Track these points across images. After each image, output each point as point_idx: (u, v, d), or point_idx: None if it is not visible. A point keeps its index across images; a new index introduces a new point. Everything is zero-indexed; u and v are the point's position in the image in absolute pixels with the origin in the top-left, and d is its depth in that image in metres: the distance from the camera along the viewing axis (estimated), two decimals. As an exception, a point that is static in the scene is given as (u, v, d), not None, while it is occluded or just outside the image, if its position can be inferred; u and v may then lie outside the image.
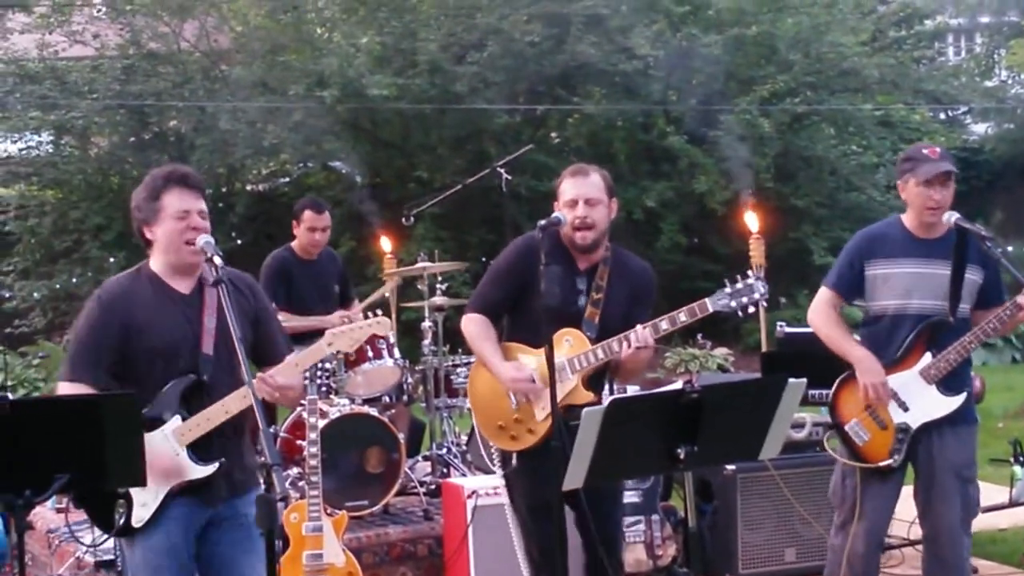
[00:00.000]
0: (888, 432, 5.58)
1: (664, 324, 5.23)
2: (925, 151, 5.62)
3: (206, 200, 4.65)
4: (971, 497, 5.63)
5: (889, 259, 5.62)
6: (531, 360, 5.37)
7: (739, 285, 5.17)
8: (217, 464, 4.48)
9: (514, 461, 5.46)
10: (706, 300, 5.20)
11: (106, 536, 4.87)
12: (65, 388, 4.51)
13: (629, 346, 5.19)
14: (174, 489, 4.46)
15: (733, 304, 5.17)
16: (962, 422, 5.60)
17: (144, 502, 4.44)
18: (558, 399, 5.09)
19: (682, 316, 5.21)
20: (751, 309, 5.19)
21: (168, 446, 4.44)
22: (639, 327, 5.20)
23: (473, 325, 5.53)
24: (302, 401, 6.57)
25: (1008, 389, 13.81)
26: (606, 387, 5.65)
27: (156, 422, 4.44)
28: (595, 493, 5.13)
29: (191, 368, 4.51)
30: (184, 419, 4.46)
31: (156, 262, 4.63)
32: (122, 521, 4.44)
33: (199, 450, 4.47)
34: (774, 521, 7.14)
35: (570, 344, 5.33)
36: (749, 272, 5.27)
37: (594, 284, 5.45)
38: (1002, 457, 7.87)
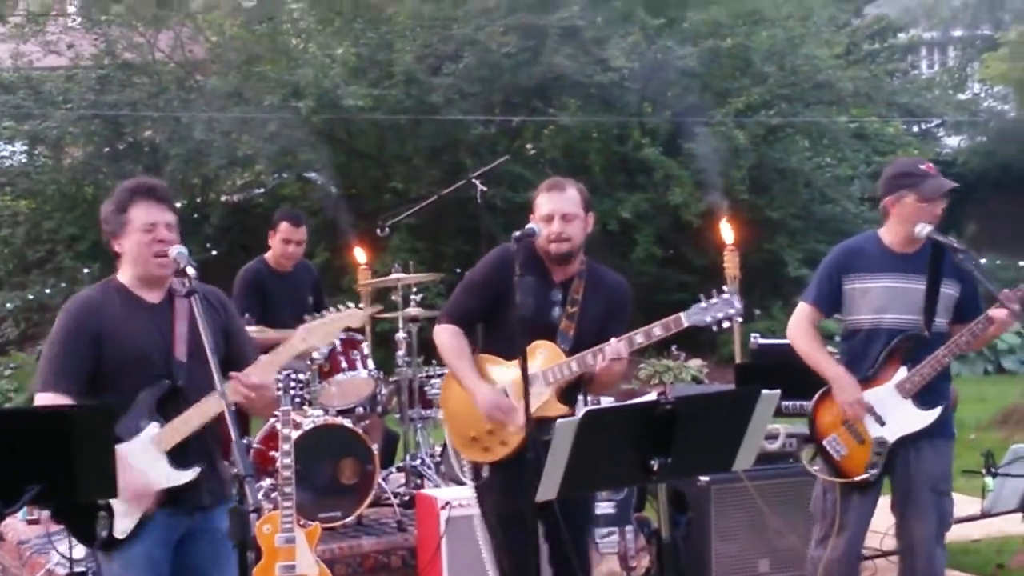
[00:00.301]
0: (866, 446, 5.59)
1: (639, 338, 5.23)
2: (923, 167, 5.60)
3: (175, 212, 4.63)
4: (946, 510, 5.65)
5: (866, 273, 5.63)
6: (504, 372, 5.37)
7: (714, 300, 5.18)
8: (198, 470, 4.46)
9: (485, 472, 5.45)
10: (680, 315, 5.20)
11: (87, 549, 4.83)
12: (43, 399, 4.49)
13: (604, 359, 5.18)
14: (159, 496, 4.44)
15: (708, 319, 5.18)
16: (939, 436, 5.62)
17: (125, 511, 4.41)
18: (532, 411, 5.09)
19: (656, 330, 5.21)
20: (726, 324, 5.21)
21: (147, 454, 4.43)
22: (613, 340, 5.20)
23: (447, 336, 5.51)
24: (275, 412, 6.56)
25: (980, 400, 13.86)
26: (580, 399, 5.63)
27: (133, 431, 4.42)
28: (566, 504, 5.13)
29: (164, 375, 4.49)
30: (161, 426, 4.45)
31: (124, 274, 4.62)
32: (104, 533, 4.41)
33: (177, 457, 4.45)
34: (748, 532, 7.13)
35: (544, 356, 5.32)
36: (724, 287, 5.28)
37: (569, 297, 5.45)
38: (974, 468, 7.89)
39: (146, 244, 4.50)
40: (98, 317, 4.52)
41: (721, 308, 5.17)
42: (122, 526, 4.42)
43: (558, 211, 5.39)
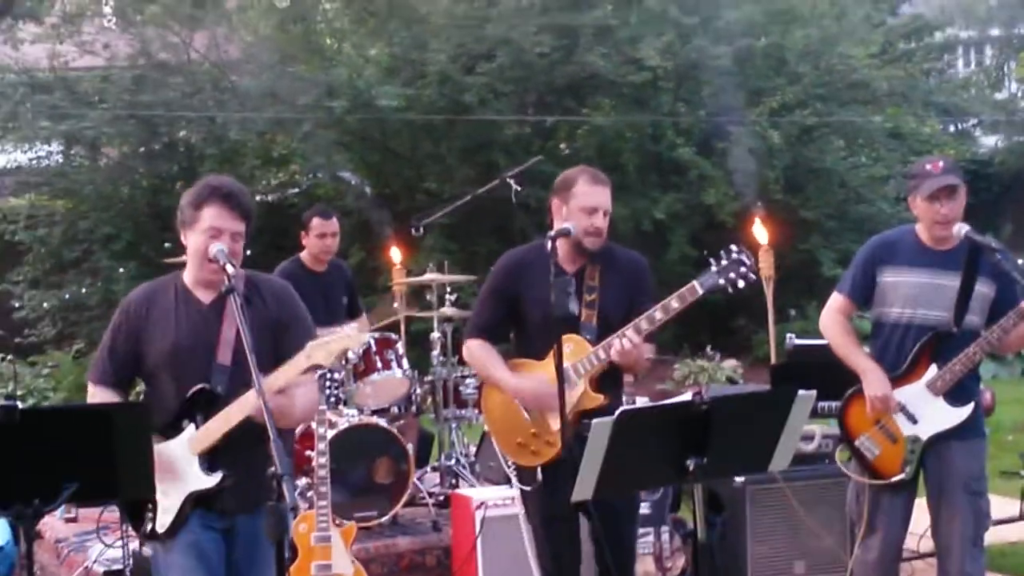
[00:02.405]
0: (899, 445, 5.57)
1: (658, 314, 5.20)
2: (928, 166, 5.61)
3: (247, 221, 4.60)
4: (982, 510, 5.61)
5: (899, 267, 5.62)
6: (536, 373, 5.36)
7: (724, 262, 5.17)
8: (221, 475, 4.46)
9: (539, 476, 5.39)
10: (694, 283, 5.18)
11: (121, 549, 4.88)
12: (90, 390, 4.62)
13: (616, 353, 5.18)
14: (190, 498, 4.47)
15: (722, 281, 5.16)
16: (971, 435, 5.60)
17: (166, 508, 4.47)
18: (570, 406, 5.10)
19: (673, 303, 5.19)
20: (740, 283, 5.17)
21: (184, 454, 4.47)
22: (624, 330, 5.17)
23: (476, 350, 5.52)
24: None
25: (1018, 402, 13.77)
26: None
27: (176, 429, 4.47)
28: (611, 504, 5.12)
29: (204, 377, 4.51)
30: (197, 428, 4.47)
31: (187, 272, 4.67)
32: (149, 526, 4.49)
33: (211, 461, 4.48)
34: (783, 533, 7.12)
35: (570, 350, 5.27)
36: (732, 247, 5.25)
37: (585, 286, 5.40)
38: (1012, 470, 7.86)
39: (206, 247, 4.51)
40: (145, 311, 4.60)
41: (733, 268, 5.16)
42: (162, 521, 4.48)
43: (603, 206, 5.38)
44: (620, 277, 5.47)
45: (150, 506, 4.47)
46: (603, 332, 5.33)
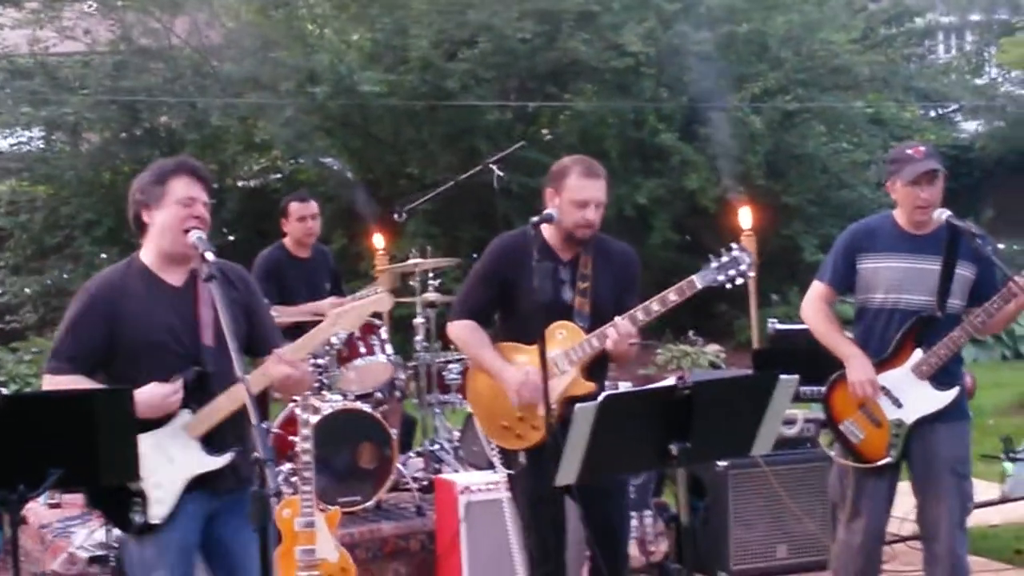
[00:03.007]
0: (883, 429, 5.59)
1: (655, 306, 5.23)
2: (909, 151, 5.63)
3: (211, 196, 4.63)
4: (967, 493, 5.65)
5: (880, 253, 5.63)
6: (525, 358, 5.37)
7: (724, 259, 5.21)
8: (232, 454, 4.48)
9: (522, 459, 5.42)
10: (693, 278, 5.22)
11: (105, 535, 4.87)
12: (48, 380, 4.51)
13: (611, 342, 5.19)
14: (189, 483, 4.46)
15: (721, 278, 5.21)
16: (955, 418, 5.62)
17: (160, 499, 4.43)
18: (559, 392, 5.14)
19: (671, 296, 5.22)
20: (739, 281, 5.22)
21: (180, 440, 4.45)
22: (618, 319, 5.20)
23: (464, 331, 5.51)
24: (295, 396, 6.58)
25: (998, 386, 13.85)
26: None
27: (167, 416, 4.45)
28: (601, 486, 5.16)
29: (194, 360, 4.50)
30: (193, 412, 4.47)
31: (148, 252, 4.60)
32: (140, 520, 4.43)
33: (212, 441, 4.48)
34: (766, 517, 7.16)
35: (563, 337, 5.32)
36: (733, 244, 5.30)
37: (579, 274, 5.43)
38: (993, 453, 7.90)
39: (181, 218, 4.48)
40: (118, 299, 4.51)
41: (732, 266, 5.20)
42: (156, 512, 4.44)
43: (596, 200, 5.37)
44: (612, 268, 5.50)
45: (137, 500, 4.43)
46: (595, 320, 5.35)
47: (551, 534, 5.30)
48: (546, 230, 5.46)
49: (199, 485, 4.48)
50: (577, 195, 5.35)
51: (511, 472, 5.53)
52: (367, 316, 4.68)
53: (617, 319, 5.21)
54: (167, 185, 4.53)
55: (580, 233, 5.37)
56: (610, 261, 5.52)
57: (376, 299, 4.75)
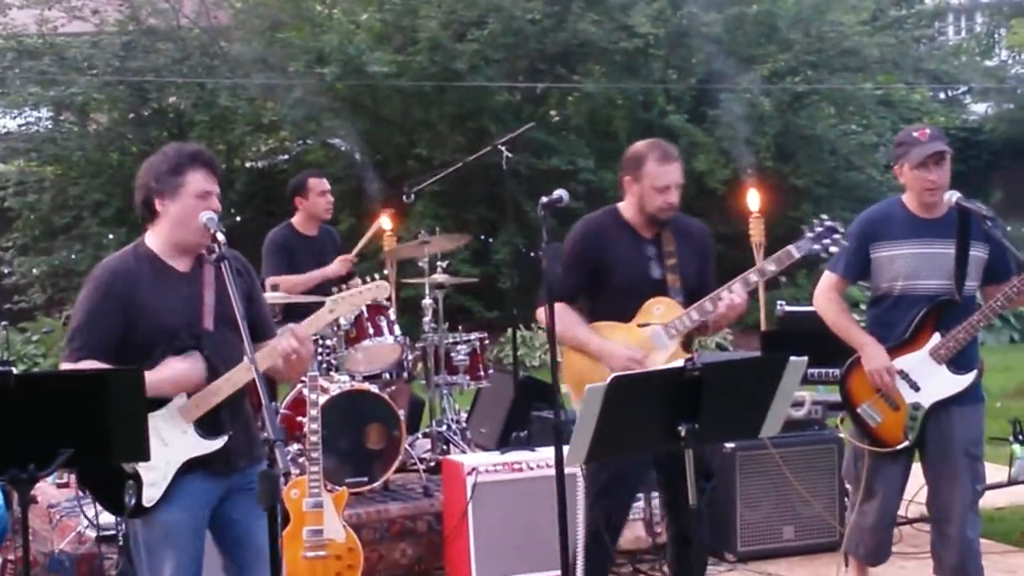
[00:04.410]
0: (900, 413, 5.58)
1: (753, 276, 5.41)
2: (915, 134, 5.62)
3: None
4: (979, 475, 5.65)
5: (893, 240, 5.61)
6: (622, 335, 5.41)
7: (819, 229, 5.35)
8: (225, 438, 4.48)
9: None
10: (790, 247, 5.37)
11: (116, 516, 4.86)
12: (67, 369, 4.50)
13: (724, 306, 5.32)
14: (182, 467, 4.47)
15: (816, 247, 5.37)
16: (971, 400, 5.62)
17: (153, 481, 4.43)
18: (662, 365, 5.21)
19: (770, 266, 5.43)
20: (833, 249, 5.38)
21: (174, 423, 4.45)
22: (732, 284, 5.33)
23: (562, 313, 5.43)
24: (303, 377, 6.58)
25: (1006, 369, 13.84)
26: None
27: (161, 400, 4.44)
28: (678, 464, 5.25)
29: (193, 345, 4.50)
30: (189, 395, 4.48)
31: (155, 239, 4.59)
32: (132, 502, 4.43)
33: (207, 425, 4.48)
34: (773, 499, 7.17)
35: (661, 312, 5.40)
36: (823, 215, 5.46)
37: (664, 250, 5.52)
38: (1001, 436, 7.89)
39: (199, 211, 4.47)
40: (129, 287, 4.49)
41: (827, 235, 5.35)
42: (149, 495, 4.43)
43: (675, 183, 5.47)
44: (692, 243, 5.62)
45: (130, 482, 4.41)
46: (686, 295, 5.47)
47: (619, 515, 5.45)
48: (625, 209, 5.57)
49: (198, 467, 4.48)
50: (657, 181, 5.44)
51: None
52: (364, 303, 4.69)
53: (734, 285, 5.34)
54: (184, 177, 4.50)
55: (663, 215, 5.48)
56: (690, 237, 5.64)
57: (374, 286, 4.76)
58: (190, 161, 4.54)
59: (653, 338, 5.37)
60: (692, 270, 5.53)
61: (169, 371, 4.40)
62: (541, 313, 5.55)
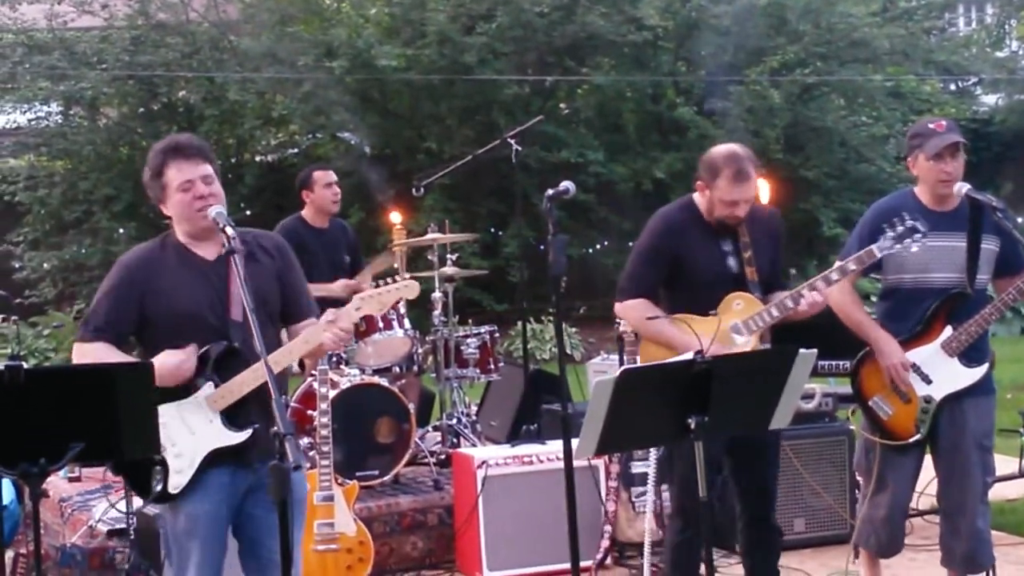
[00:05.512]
0: (912, 405, 5.57)
1: (834, 275, 5.39)
2: (931, 125, 5.60)
3: (209, 161, 4.61)
4: (990, 467, 5.65)
5: (907, 233, 5.61)
6: (705, 326, 5.36)
7: (900, 228, 5.32)
8: (251, 430, 4.49)
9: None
10: (872, 247, 5.36)
11: (143, 503, 4.88)
12: (78, 348, 4.55)
13: (806, 304, 5.30)
14: (208, 456, 4.48)
15: (898, 246, 5.34)
16: (982, 392, 5.61)
17: (180, 469, 4.46)
18: None
19: (851, 265, 5.42)
20: (914, 248, 5.34)
21: (202, 413, 4.47)
22: (817, 282, 5.33)
23: (639, 308, 5.50)
24: (312, 371, 6.59)
25: (1016, 360, 13.81)
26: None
27: (190, 388, 4.47)
28: (754, 444, 5.28)
29: (222, 335, 4.51)
30: (216, 386, 4.49)
31: (179, 231, 4.64)
32: (159, 488, 4.47)
33: (234, 416, 4.49)
34: (783, 491, 7.11)
35: (740, 307, 5.39)
36: (904, 214, 5.38)
37: (740, 244, 5.51)
38: (1011, 427, 7.88)
39: (188, 203, 4.50)
40: (151, 272, 4.55)
41: (908, 235, 5.32)
42: (175, 481, 4.46)
43: (744, 199, 5.43)
44: (764, 232, 5.59)
45: (158, 468, 4.46)
46: (764, 288, 5.48)
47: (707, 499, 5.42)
48: (700, 203, 5.54)
49: (225, 458, 4.50)
50: (727, 196, 5.41)
51: None
52: (392, 303, 4.68)
53: (816, 283, 5.33)
54: (164, 177, 4.55)
55: (731, 223, 5.47)
56: (764, 225, 5.61)
57: (404, 286, 4.69)
58: (164, 158, 4.57)
59: (733, 332, 5.36)
60: (766, 259, 5.53)
61: (155, 361, 4.41)
62: (622, 309, 5.57)
